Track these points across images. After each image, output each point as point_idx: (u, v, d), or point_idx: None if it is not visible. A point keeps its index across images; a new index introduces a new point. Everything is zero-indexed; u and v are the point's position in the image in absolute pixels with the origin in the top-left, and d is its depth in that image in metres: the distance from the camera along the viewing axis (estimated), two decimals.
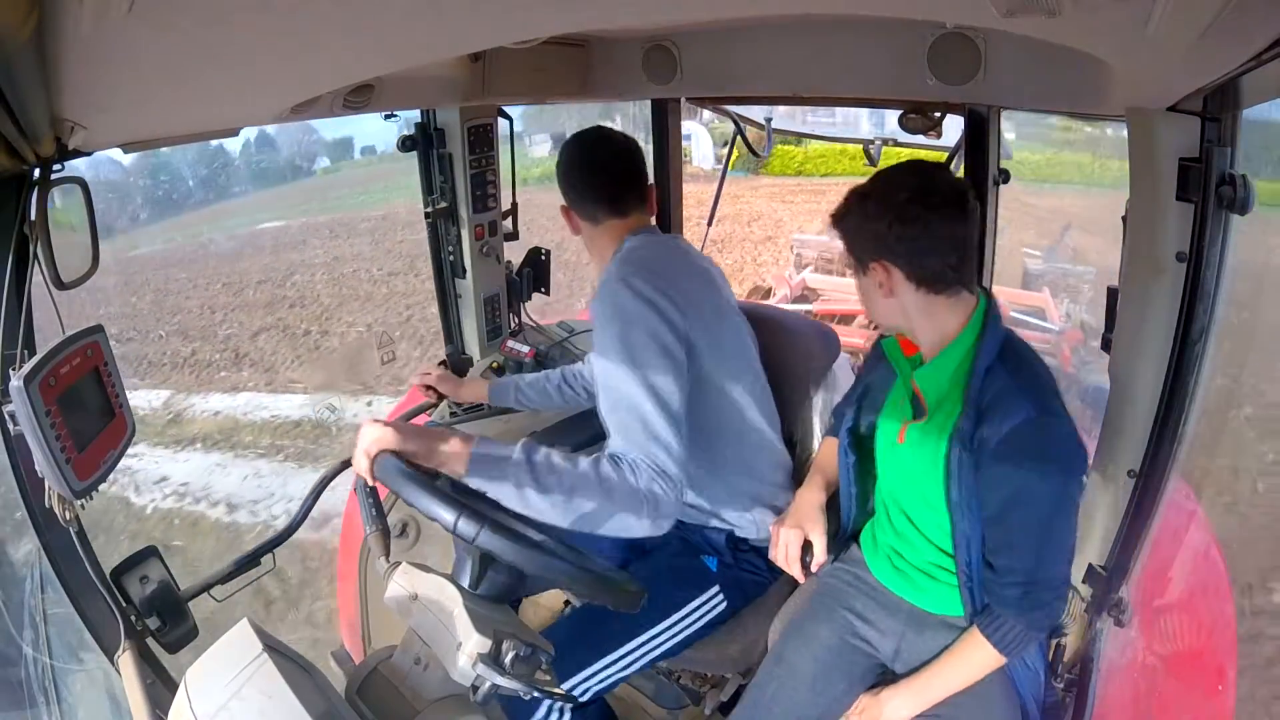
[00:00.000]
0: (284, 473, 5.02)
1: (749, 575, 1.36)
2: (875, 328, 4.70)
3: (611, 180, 1.34)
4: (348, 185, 17.58)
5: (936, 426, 1.05)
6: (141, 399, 7.01)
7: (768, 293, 6.16)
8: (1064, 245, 7.39)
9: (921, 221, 1.00)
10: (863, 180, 1.09)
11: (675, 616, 1.28)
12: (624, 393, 1.09)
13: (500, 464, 0.98)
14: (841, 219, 1.08)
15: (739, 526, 1.36)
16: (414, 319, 8.02)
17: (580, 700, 1.20)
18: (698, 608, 1.30)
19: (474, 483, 0.97)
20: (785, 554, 1.20)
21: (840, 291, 5.82)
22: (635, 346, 1.12)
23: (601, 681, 1.22)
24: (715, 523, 1.36)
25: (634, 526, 1.03)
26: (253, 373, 7.46)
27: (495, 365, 1.94)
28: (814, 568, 1.21)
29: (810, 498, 1.24)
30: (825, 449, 1.34)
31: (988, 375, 1.01)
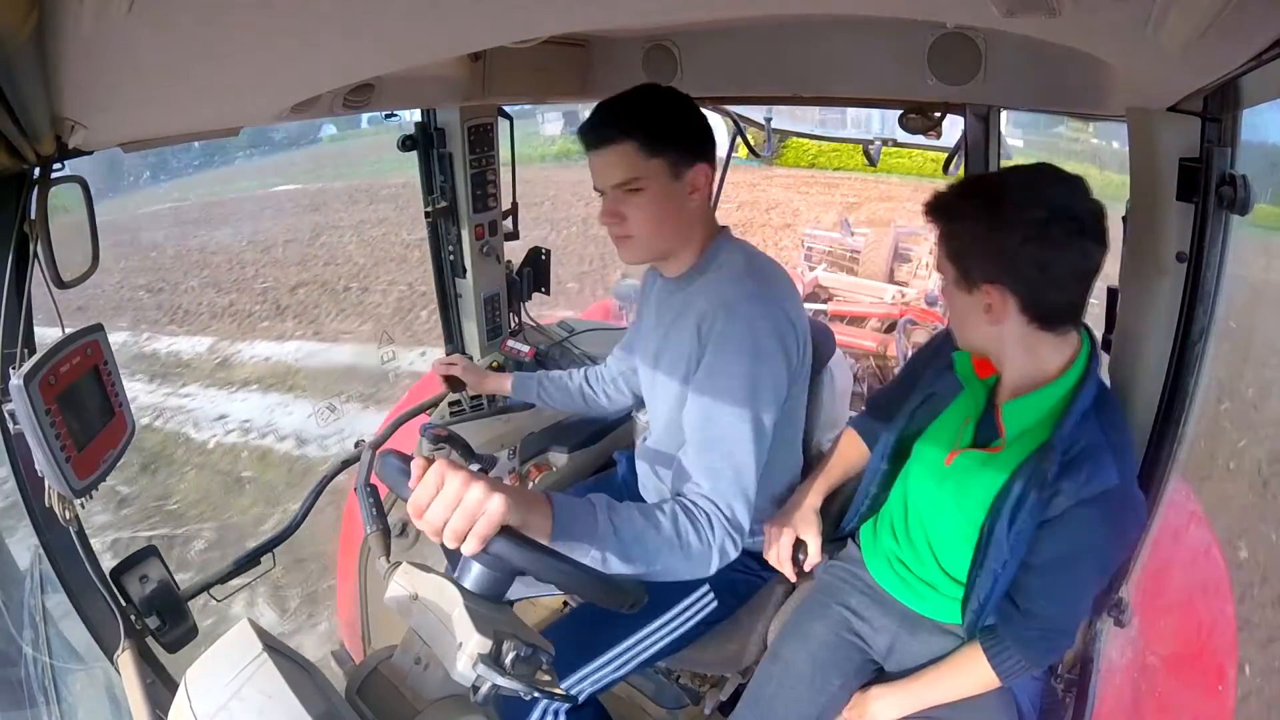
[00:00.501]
0: (349, 412, 5.12)
1: (740, 575, 1.35)
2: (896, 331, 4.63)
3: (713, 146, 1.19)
4: (358, 153, 17.70)
5: (1002, 461, 0.98)
6: (185, 345, 7.39)
7: None
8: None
9: (1060, 248, 0.86)
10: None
11: (665, 617, 1.27)
12: (729, 435, 1.03)
13: (586, 534, 0.92)
14: (953, 217, 0.93)
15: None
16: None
17: (576, 701, 1.20)
18: (688, 607, 1.29)
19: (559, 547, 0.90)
20: (778, 553, 1.20)
21: (853, 291, 5.62)
22: (760, 389, 1.05)
23: (595, 683, 1.22)
24: None
25: (697, 574, 1.00)
26: (297, 323, 7.61)
27: (495, 365, 1.94)
28: (807, 567, 1.21)
29: (807, 500, 1.24)
30: (843, 445, 1.29)
31: (1081, 423, 0.93)
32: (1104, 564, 0.97)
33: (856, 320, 5.11)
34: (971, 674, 1.05)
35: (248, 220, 12.34)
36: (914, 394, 1.16)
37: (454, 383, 1.78)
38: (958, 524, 1.05)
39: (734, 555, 1.01)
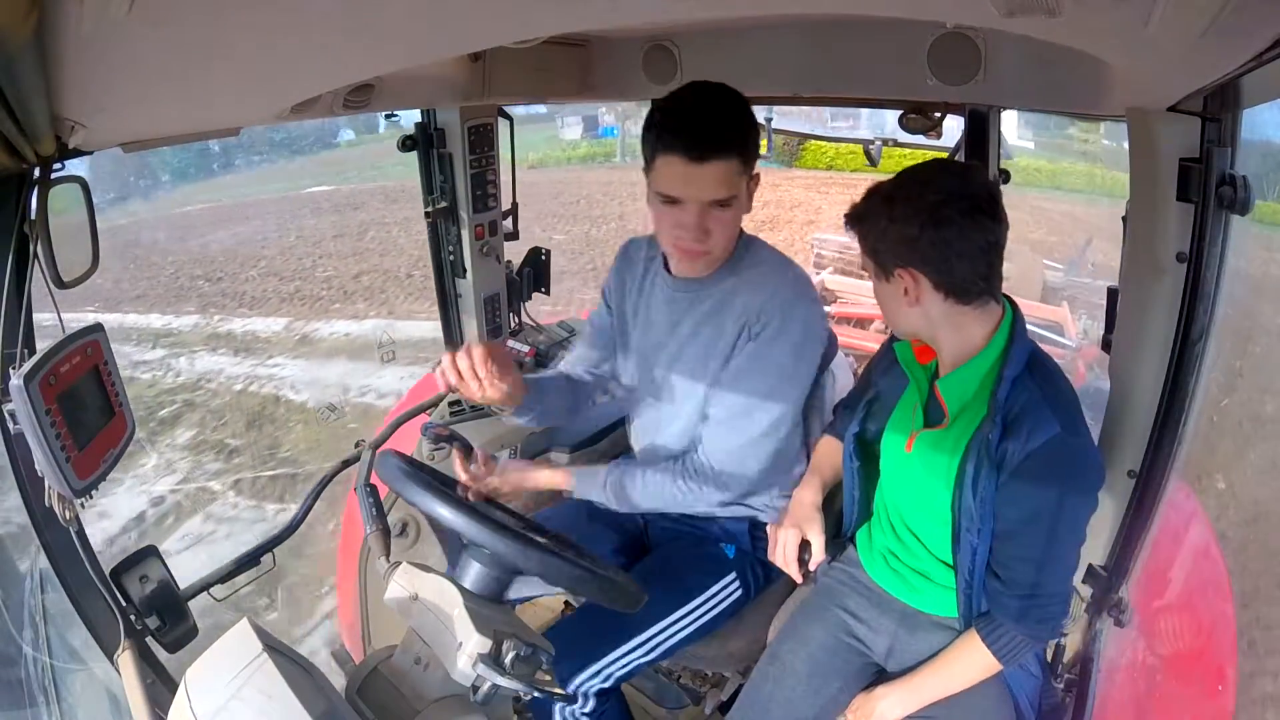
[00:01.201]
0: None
1: (763, 562, 1.35)
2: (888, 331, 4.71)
3: None
4: (379, 156, 18.21)
5: (952, 437, 1.03)
6: (260, 325, 8.09)
7: None
8: (1084, 259, 7.20)
9: (956, 227, 0.94)
10: (885, 179, 1.02)
11: (694, 603, 1.29)
12: (758, 418, 1.20)
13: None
14: (861, 220, 1.01)
15: (762, 512, 1.36)
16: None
17: (604, 686, 1.20)
18: (715, 594, 1.31)
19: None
20: (783, 554, 1.19)
21: (859, 294, 5.73)
22: (795, 381, 1.21)
23: (624, 667, 1.22)
24: (740, 511, 1.35)
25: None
26: (369, 305, 8.19)
27: None
28: (811, 566, 1.21)
29: (807, 497, 1.24)
30: (823, 448, 1.32)
31: (1014, 386, 0.98)
32: (1068, 517, 0.98)
33: (863, 323, 5.15)
34: (972, 660, 1.06)
35: (288, 218, 12.76)
36: (866, 394, 1.22)
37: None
38: (930, 504, 1.07)
39: (731, 497, 1.26)
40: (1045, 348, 1.06)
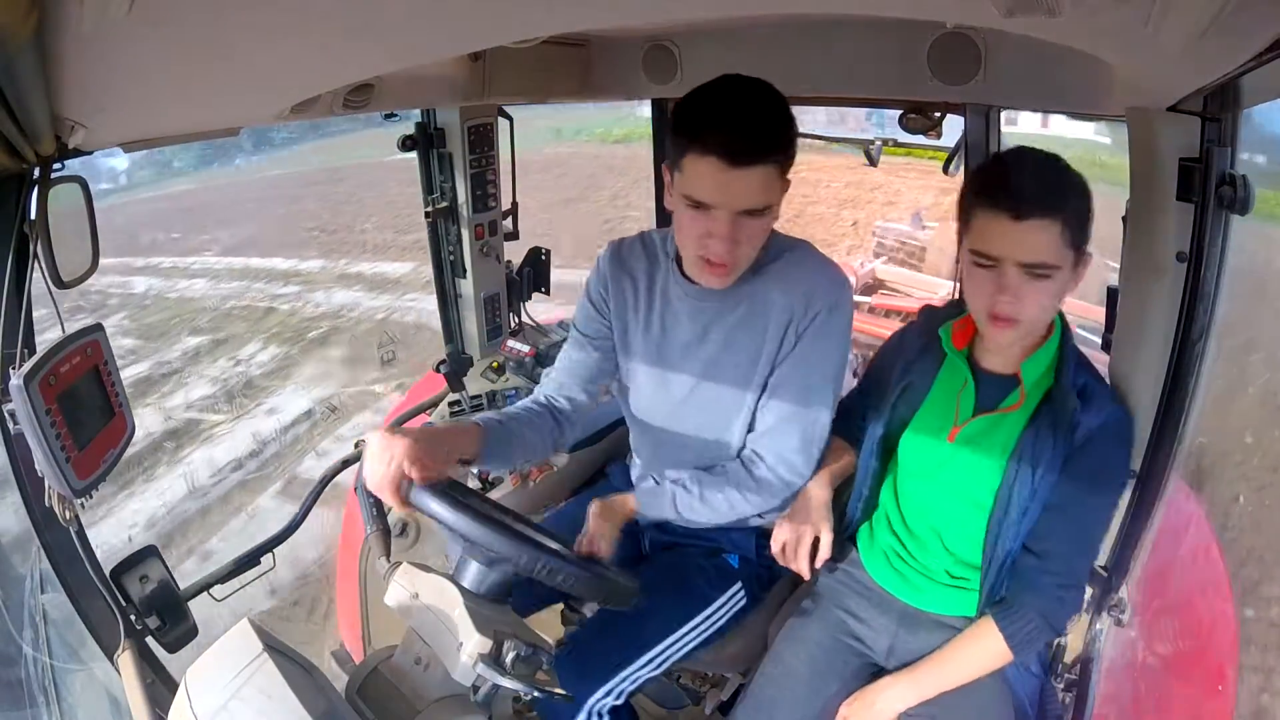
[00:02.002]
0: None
1: (766, 569, 1.34)
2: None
3: None
4: None
5: (1014, 417, 1.05)
6: (388, 268, 9.04)
7: None
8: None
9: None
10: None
11: (702, 615, 1.27)
12: (813, 412, 1.16)
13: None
14: (1066, 199, 0.95)
15: (766, 519, 1.32)
16: (614, 231, 9.74)
17: (617, 704, 1.18)
18: (722, 605, 1.29)
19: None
20: (794, 550, 1.17)
21: (908, 285, 5.43)
22: (840, 376, 1.18)
23: (635, 683, 1.20)
24: (752, 520, 1.30)
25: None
26: None
27: (495, 364, 1.94)
28: (818, 564, 1.20)
29: (821, 495, 1.21)
30: (831, 444, 1.28)
31: (1078, 363, 1.03)
32: (1113, 494, 1.05)
33: (906, 316, 5.04)
34: (982, 648, 1.06)
35: (382, 183, 13.20)
36: (890, 388, 1.18)
37: (454, 382, 1.78)
38: (970, 496, 1.07)
39: (786, 493, 1.20)
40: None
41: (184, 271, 10.44)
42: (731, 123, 0.96)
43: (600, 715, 1.17)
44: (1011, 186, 0.95)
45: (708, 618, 1.27)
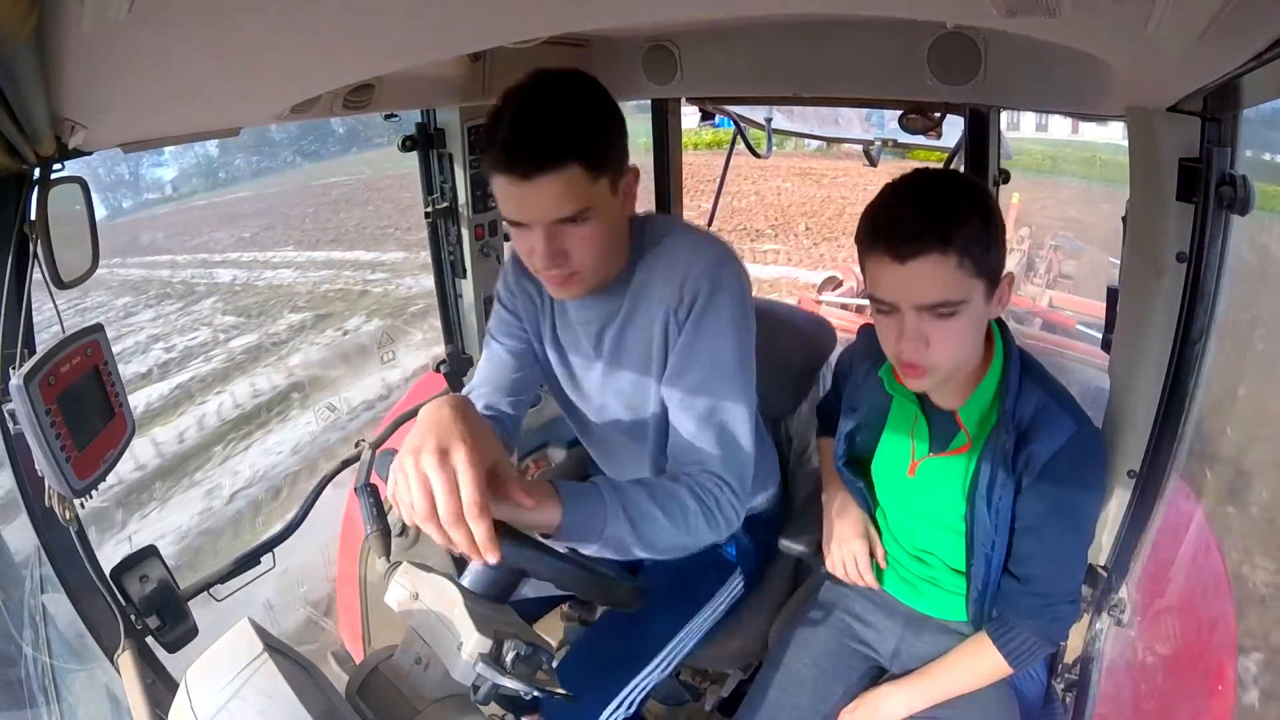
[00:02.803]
0: None
1: (761, 549, 1.35)
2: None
3: None
4: None
5: (964, 456, 1.02)
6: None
7: (839, 284, 5.86)
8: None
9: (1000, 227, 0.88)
10: (929, 166, 0.96)
11: (705, 611, 1.27)
12: (725, 408, 0.98)
13: (595, 530, 0.89)
14: (958, 228, 0.85)
15: (757, 507, 1.34)
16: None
17: (629, 714, 1.17)
18: (722, 596, 1.30)
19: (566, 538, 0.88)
20: (857, 570, 1.16)
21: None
22: (745, 357, 1.01)
23: (645, 690, 1.20)
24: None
25: (700, 545, 0.98)
26: None
27: None
28: (880, 562, 1.19)
29: (845, 503, 1.20)
30: (831, 452, 1.28)
31: (1022, 392, 0.97)
32: (1086, 511, 1.00)
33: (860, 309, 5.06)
34: (981, 663, 1.05)
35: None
36: (844, 417, 1.16)
37: (454, 382, 1.78)
38: (942, 522, 1.06)
39: (737, 525, 0.99)
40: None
41: (265, 264, 11.26)
42: (513, 133, 0.88)
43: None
44: (888, 226, 0.87)
45: (709, 611, 1.27)
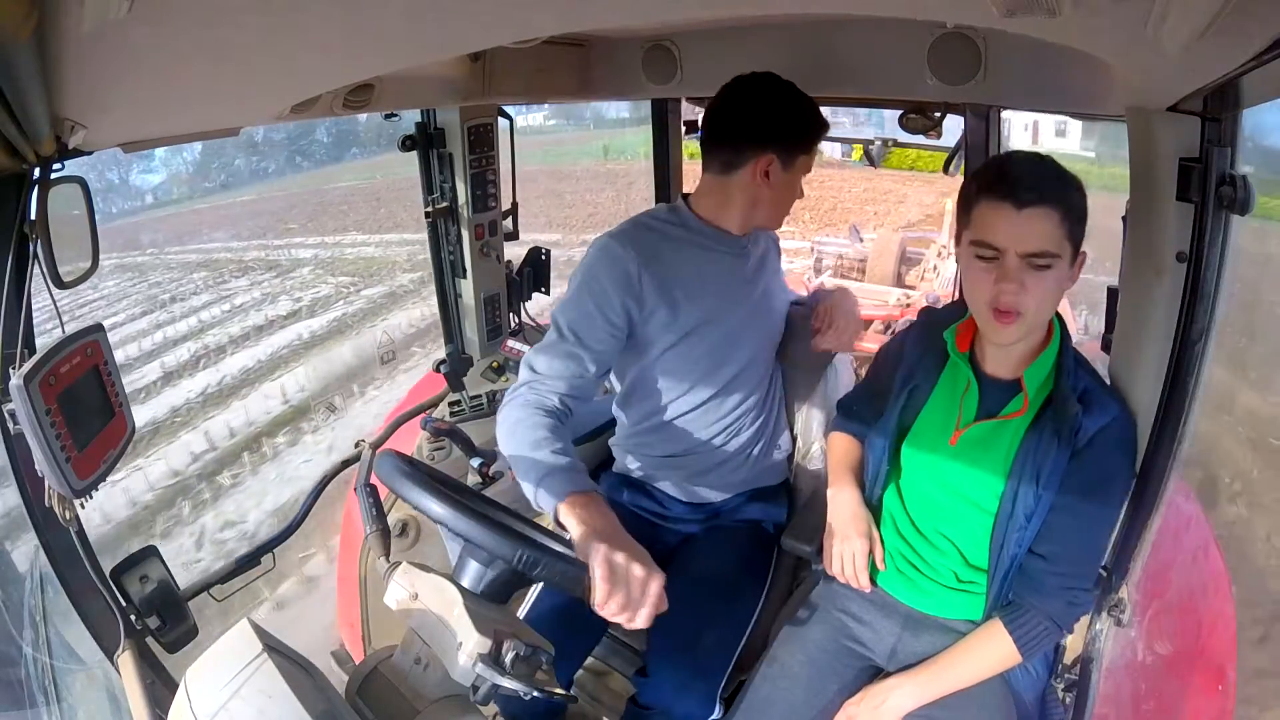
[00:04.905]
0: None
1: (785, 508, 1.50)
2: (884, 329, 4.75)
3: None
4: (552, 143, 20.48)
5: (1015, 422, 1.05)
6: (541, 237, 11.85)
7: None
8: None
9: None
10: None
11: (763, 592, 1.39)
12: None
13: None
14: (1065, 190, 0.98)
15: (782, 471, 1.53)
16: None
17: (719, 715, 1.24)
18: (772, 572, 1.42)
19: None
20: (853, 568, 1.16)
21: (859, 295, 5.78)
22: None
23: (726, 689, 1.27)
24: (775, 479, 1.52)
25: None
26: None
27: (495, 365, 1.94)
28: (880, 564, 1.19)
29: (855, 502, 1.20)
30: (844, 446, 1.28)
31: (1077, 366, 1.04)
32: (1118, 492, 1.04)
33: (865, 323, 5.16)
34: (991, 650, 1.06)
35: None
36: (897, 393, 1.17)
37: (454, 382, 1.78)
38: (975, 498, 1.07)
39: None
40: None
41: (339, 244, 12.50)
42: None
43: None
44: (1012, 177, 0.98)
45: (767, 591, 1.39)
